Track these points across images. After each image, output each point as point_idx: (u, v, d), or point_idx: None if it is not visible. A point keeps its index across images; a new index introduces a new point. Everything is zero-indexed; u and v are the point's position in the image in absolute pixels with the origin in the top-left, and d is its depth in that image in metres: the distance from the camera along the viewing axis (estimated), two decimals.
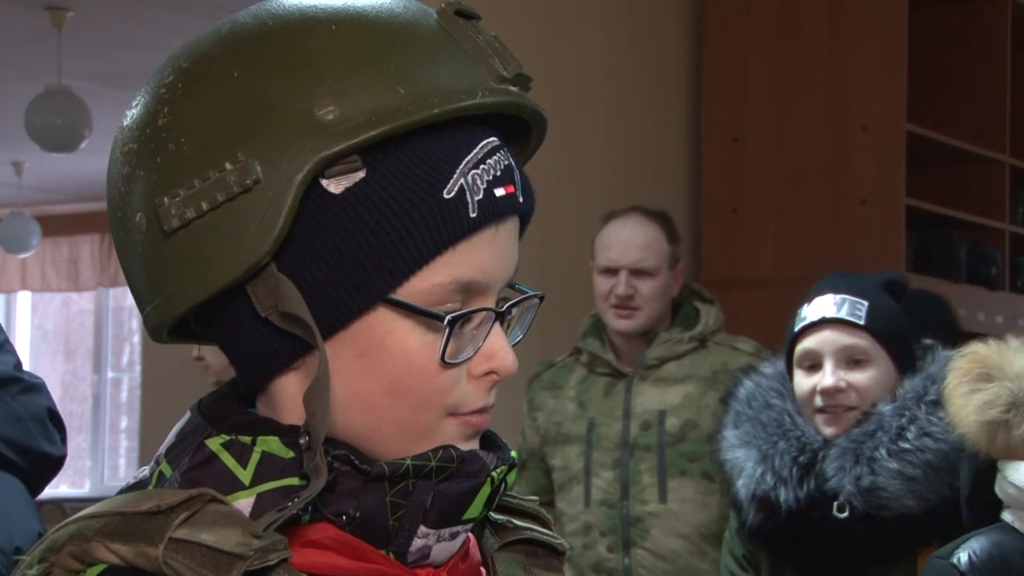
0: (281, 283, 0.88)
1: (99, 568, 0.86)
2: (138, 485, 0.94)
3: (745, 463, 2.40)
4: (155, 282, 0.90)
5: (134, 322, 10.81)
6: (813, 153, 4.26)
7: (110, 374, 10.82)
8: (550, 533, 1.05)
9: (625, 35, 4.27)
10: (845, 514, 2.32)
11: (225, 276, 0.87)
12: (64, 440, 1.91)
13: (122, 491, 0.94)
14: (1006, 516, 1.97)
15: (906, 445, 2.29)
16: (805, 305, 2.44)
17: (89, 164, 8.59)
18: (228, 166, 0.86)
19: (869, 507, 2.30)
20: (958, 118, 4.62)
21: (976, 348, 2.01)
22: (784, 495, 2.34)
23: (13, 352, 1.86)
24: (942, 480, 2.28)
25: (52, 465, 1.86)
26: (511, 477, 0.96)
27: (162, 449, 0.95)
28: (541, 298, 0.98)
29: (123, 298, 10.82)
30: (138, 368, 8.83)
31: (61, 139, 6.34)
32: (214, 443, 0.91)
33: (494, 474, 0.93)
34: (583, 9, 4.13)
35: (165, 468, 0.92)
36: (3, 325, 1.93)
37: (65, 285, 11.03)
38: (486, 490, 0.93)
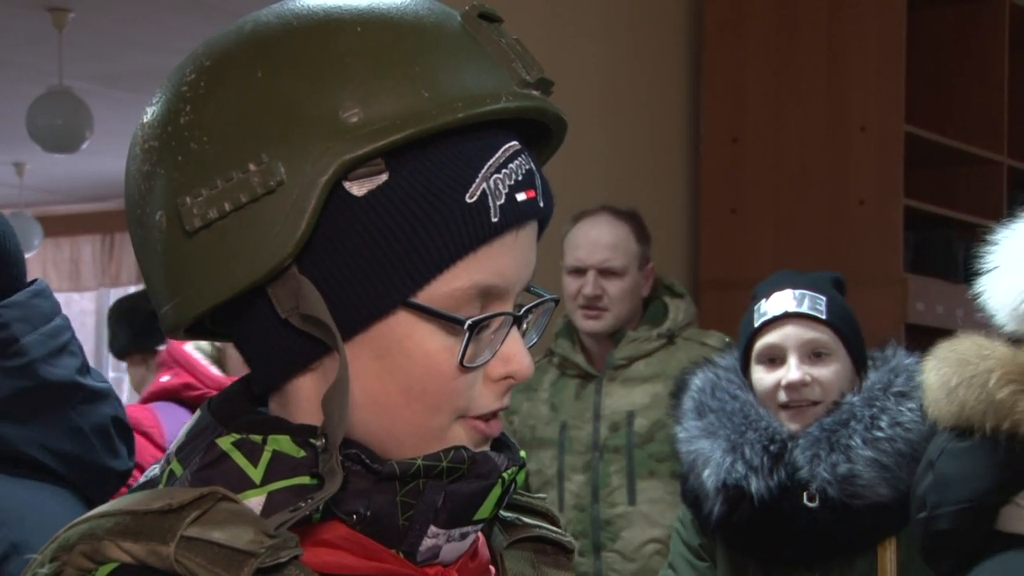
0: (302, 285, 0.88)
1: (110, 567, 0.86)
2: (148, 484, 0.94)
3: (712, 453, 2.38)
4: (174, 281, 0.90)
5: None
6: (812, 154, 4.27)
7: (111, 374, 10.80)
8: (559, 531, 1.06)
9: (625, 36, 4.28)
10: (815, 503, 2.32)
11: (246, 277, 0.87)
12: (132, 451, 1.73)
13: (133, 490, 0.94)
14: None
15: (880, 434, 2.30)
16: (763, 301, 2.44)
17: (90, 165, 8.59)
18: (252, 167, 0.86)
19: (844, 495, 2.30)
20: (956, 119, 4.63)
21: (945, 345, 1.92)
22: (755, 484, 2.33)
23: (77, 353, 1.66)
24: (912, 469, 2.28)
25: (116, 478, 1.70)
26: (520, 477, 0.96)
27: (172, 448, 0.95)
28: (556, 301, 0.98)
29: None
30: None
31: (62, 140, 6.34)
32: (225, 442, 0.91)
33: (505, 475, 0.94)
34: (583, 10, 4.14)
35: (176, 467, 0.93)
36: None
37: (66, 285, 11.03)
38: (497, 491, 0.93)
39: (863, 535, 2.32)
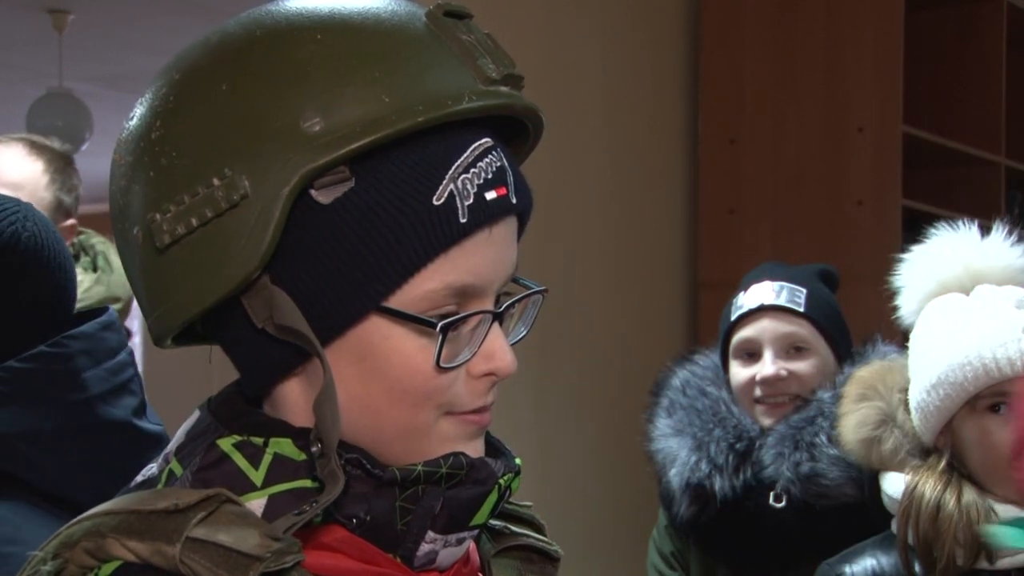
0: (275, 295, 0.88)
1: (114, 564, 0.87)
2: (147, 483, 0.95)
3: (679, 451, 2.31)
4: (153, 295, 0.91)
5: (135, 324, 10.80)
6: (810, 154, 4.27)
7: None
8: (545, 539, 1.07)
9: (623, 37, 4.28)
10: (782, 504, 2.24)
11: (217, 291, 0.87)
12: None
13: (130, 489, 0.95)
14: (893, 525, 1.94)
15: None
16: (741, 293, 2.37)
17: (90, 166, 8.57)
18: (216, 182, 0.86)
19: (807, 495, 2.23)
20: (954, 120, 4.63)
21: (862, 371, 2.03)
22: (719, 483, 2.25)
23: (137, 392, 1.57)
24: None
25: None
26: (515, 484, 0.96)
27: (171, 447, 0.96)
28: (544, 293, 0.98)
29: None
30: (140, 369, 8.82)
31: (62, 141, 6.35)
32: (225, 443, 0.92)
33: (501, 481, 0.94)
34: (581, 11, 4.15)
35: (175, 467, 0.93)
36: None
37: None
38: (493, 496, 0.94)
39: (831, 538, 2.17)
